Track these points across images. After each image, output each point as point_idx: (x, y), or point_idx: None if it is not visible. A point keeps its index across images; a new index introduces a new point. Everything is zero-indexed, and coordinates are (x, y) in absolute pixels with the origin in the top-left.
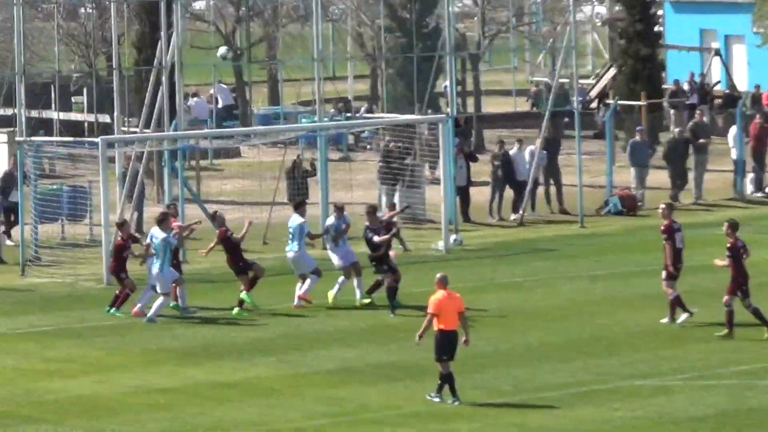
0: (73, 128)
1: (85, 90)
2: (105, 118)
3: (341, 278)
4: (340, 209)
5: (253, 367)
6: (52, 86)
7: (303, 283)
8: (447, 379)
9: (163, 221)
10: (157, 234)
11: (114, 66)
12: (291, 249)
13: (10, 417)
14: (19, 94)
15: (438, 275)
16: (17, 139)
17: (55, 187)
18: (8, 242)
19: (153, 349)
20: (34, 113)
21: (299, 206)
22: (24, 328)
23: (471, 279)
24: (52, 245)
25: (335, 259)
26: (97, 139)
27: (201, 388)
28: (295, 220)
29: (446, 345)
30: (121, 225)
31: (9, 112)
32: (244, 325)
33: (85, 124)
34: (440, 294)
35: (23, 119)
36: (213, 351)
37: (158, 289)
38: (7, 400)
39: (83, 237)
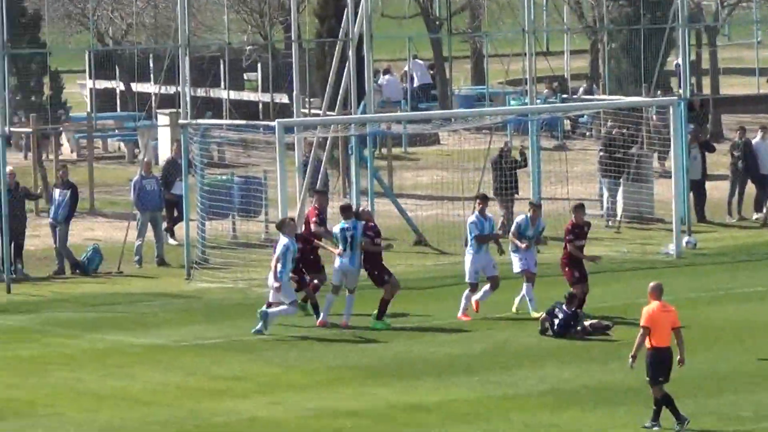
0: (245, 109)
1: (259, 65)
2: (282, 98)
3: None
4: (537, 207)
5: (453, 388)
6: (221, 61)
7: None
8: (663, 401)
9: (282, 226)
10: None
11: (293, 38)
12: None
13: None
14: (183, 69)
15: (651, 284)
16: (181, 121)
17: (224, 177)
18: (171, 241)
19: (337, 366)
20: (201, 92)
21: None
22: (189, 340)
23: (706, 288)
24: (221, 245)
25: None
26: (274, 123)
27: (393, 411)
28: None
29: (660, 365)
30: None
31: (171, 90)
32: (442, 340)
33: (259, 105)
34: (654, 305)
35: (188, 99)
36: (406, 369)
37: (281, 298)
38: (170, 422)
39: (257, 236)
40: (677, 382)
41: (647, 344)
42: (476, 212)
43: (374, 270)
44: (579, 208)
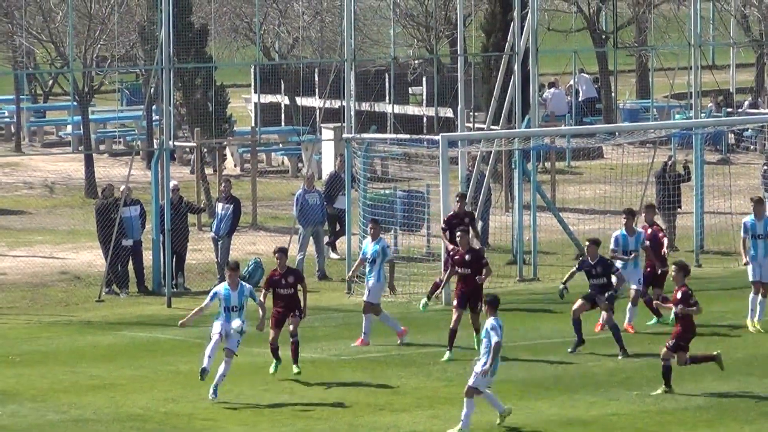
0: (409, 124)
1: (424, 79)
2: (447, 113)
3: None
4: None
5: (612, 402)
6: (387, 75)
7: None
8: None
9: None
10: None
11: (459, 52)
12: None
13: None
14: (348, 83)
15: None
16: (345, 135)
17: (387, 191)
18: (333, 255)
19: (498, 379)
20: (365, 106)
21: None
22: (348, 354)
23: None
24: None
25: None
26: (438, 137)
27: (551, 426)
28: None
29: None
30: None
31: (336, 104)
32: (602, 353)
33: (424, 119)
34: None
35: (352, 113)
36: (565, 382)
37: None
38: None
39: (419, 250)
40: None
41: None
42: (623, 227)
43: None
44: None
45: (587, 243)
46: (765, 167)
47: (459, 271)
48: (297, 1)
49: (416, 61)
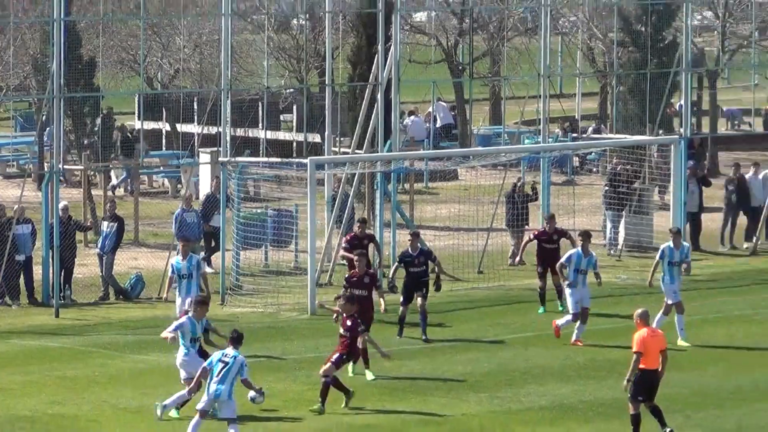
0: (280, 148)
1: (294, 107)
2: (315, 138)
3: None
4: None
5: (462, 404)
6: (260, 103)
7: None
8: (637, 419)
9: None
10: None
11: (327, 82)
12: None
13: None
14: (224, 111)
15: (639, 311)
16: (221, 159)
17: (259, 211)
18: (209, 269)
19: (358, 383)
20: (240, 132)
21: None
22: None
23: (698, 311)
24: (254, 273)
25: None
26: (306, 160)
27: (407, 425)
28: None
29: (646, 386)
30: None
31: (213, 130)
32: (454, 360)
33: (294, 144)
34: (644, 332)
35: (228, 138)
36: (421, 385)
37: None
38: None
39: (287, 264)
40: (667, 398)
41: (635, 366)
42: (579, 248)
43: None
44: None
45: (410, 237)
46: (606, 188)
47: (356, 293)
48: (178, 35)
49: (287, 91)
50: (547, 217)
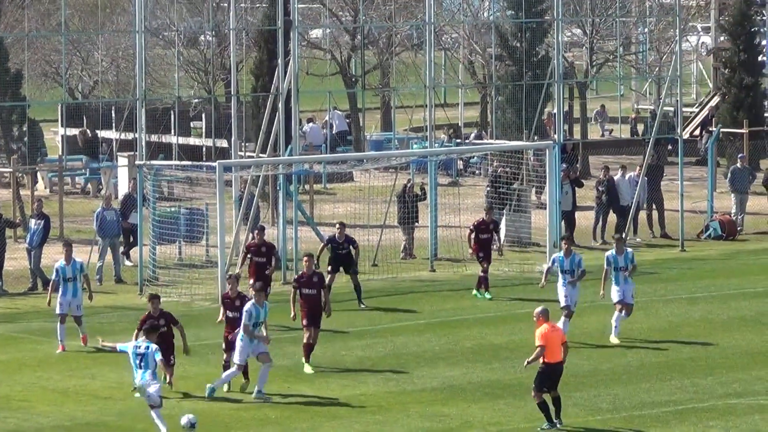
0: (191, 152)
1: (203, 115)
2: (222, 143)
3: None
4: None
5: (360, 385)
6: (172, 111)
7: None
8: (545, 406)
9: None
10: None
11: (232, 92)
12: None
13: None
14: (139, 118)
15: (538, 309)
16: (137, 162)
17: (173, 209)
18: (127, 262)
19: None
20: (154, 137)
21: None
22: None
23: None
24: (169, 266)
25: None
26: (215, 163)
27: (310, 405)
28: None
29: (550, 378)
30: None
31: (130, 136)
32: (357, 345)
33: (203, 149)
34: (545, 327)
35: (143, 143)
36: (322, 369)
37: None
38: (126, 415)
39: (200, 258)
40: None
41: (541, 360)
42: (562, 251)
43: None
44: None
45: (338, 226)
46: (488, 188)
47: (305, 291)
48: (96, 50)
49: (196, 100)
50: (486, 209)
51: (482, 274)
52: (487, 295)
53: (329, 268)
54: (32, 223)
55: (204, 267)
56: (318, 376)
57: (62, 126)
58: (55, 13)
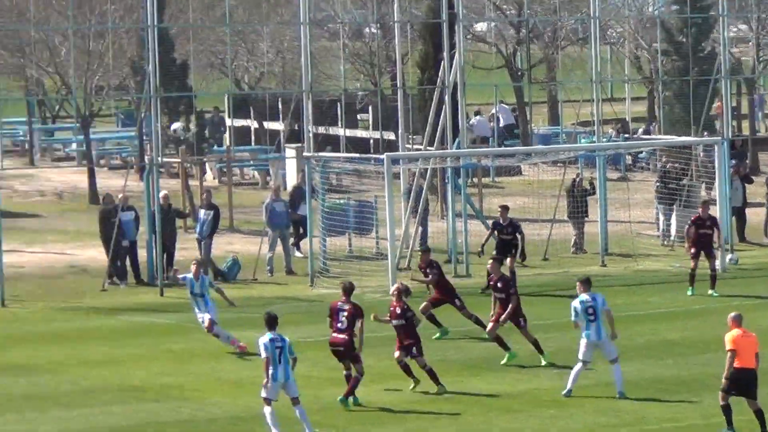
0: (358, 144)
1: (370, 108)
2: (389, 135)
3: None
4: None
5: (535, 379)
6: (338, 104)
7: None
8: (728, 410)
9: None
10: None
11: (398, 85)
12: None
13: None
14: (306, 110)
15: (732, 315)
16: (305, 154)
17: (341, 201)
18: (297, 254)
19: (435, 359)
20: (321, 129)
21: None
22: (313, 336)
23: (746, 298)
24: (339, 257)
25: None
26: (382, 156)
27: (484, 398)
28: None
29: (738, 383)
30: (424, 252)
31: (297, 127)
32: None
33: (371, 141)
34: (735, 332)
35: (310, 135)
36: (494, 363)
37: None
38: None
39: (369, 250)
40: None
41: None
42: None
43: None
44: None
45: (500, 208)
46: (657, 184)
47: (496, 295)
48: (262, 40)
49: (363, 93)
50: (701, 204)
51: (710, 271)
52: (714, 293)
53: (493, 254)
54: (202, 213)
55: (374, 259)
56: (490, 370)
57: (229, 117)
58: (219, 4)
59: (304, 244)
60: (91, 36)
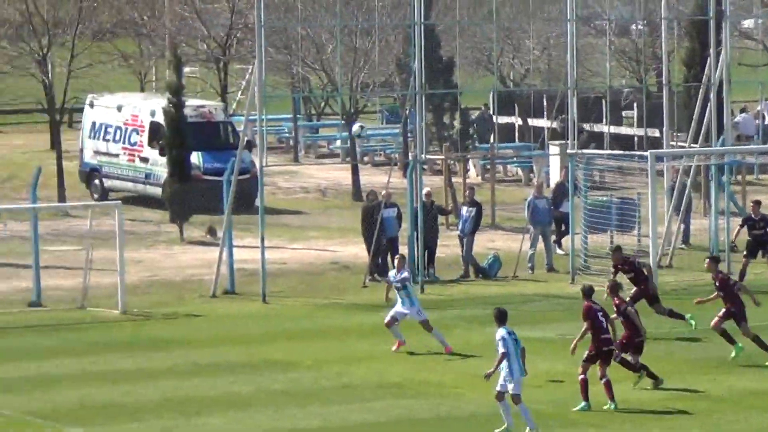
0: (622, 141)
1: (635, 105)
2: (654, 133)
3: None
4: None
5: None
6: (603, 101)
7: None
8: None
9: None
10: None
11: (664, 82)
12: None
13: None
14: (571, 107)
15: None
16: (569, 151)
17: (604, 198)
18: (559, 251)
19: (693, 358)
20: (586, 126)
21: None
22: (572, 334)
23: None
24: (600, 255)
25: None
26: (646, 153)
27: (739, 397)
28: None
29: None
30: (615, 250)
31: (561, 124)
32: None
33: (635, 138)
34: None
35: (575, 132)
36: (753, 361)
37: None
38: (558, 402)
39: (631, 247)
40: None
41: None
42: None
43: None
44: None
45: (752, 203)
46: None
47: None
48: (528, 38)
49: (628, 89)
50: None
51: None
52: None
53: (744, 252)
54: (464, 210)
55: (635, 256)
56: (749, 367)
57: (494, 114)
58: (486, 1)
59: (566, 241)
60: (357, 33)
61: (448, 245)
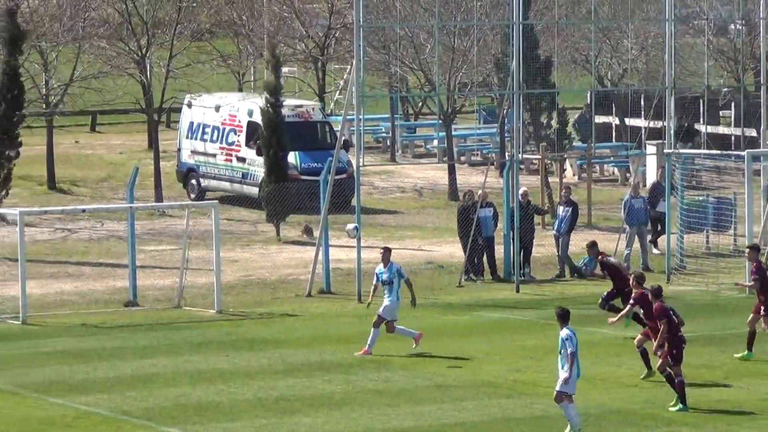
0: (720, 141)
1: (732, 104)
2: (751, 132)
3: None
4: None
5: None
6: (701, 100)
7: None
8: None
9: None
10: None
11: (762, 81)
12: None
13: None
14: (668, 107)
15: None
16: (665, 150)
17: (701, 198)
18: (655, 251)
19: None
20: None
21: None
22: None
23: None
24: (696, 254)
25: None
26: (743, 153)
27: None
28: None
29: None
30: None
31: (658, 124)
32: None
33: (732, 138)
34: None
35: (672, 132)
36: None
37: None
38: (649, 403)
39: (727, 247)
40: None
41: None
42: None
43: None
44: None
45: None
46: None
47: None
48: (626, 37)
49: (726, 89)
50: None
51: None
52: None
53: None
54: (560, 210)
55: (731, 256)
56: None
57: (592, 113)
58: (585, 1)
59: (662, 240)
60: (456, 33)
61: (544, 245)
